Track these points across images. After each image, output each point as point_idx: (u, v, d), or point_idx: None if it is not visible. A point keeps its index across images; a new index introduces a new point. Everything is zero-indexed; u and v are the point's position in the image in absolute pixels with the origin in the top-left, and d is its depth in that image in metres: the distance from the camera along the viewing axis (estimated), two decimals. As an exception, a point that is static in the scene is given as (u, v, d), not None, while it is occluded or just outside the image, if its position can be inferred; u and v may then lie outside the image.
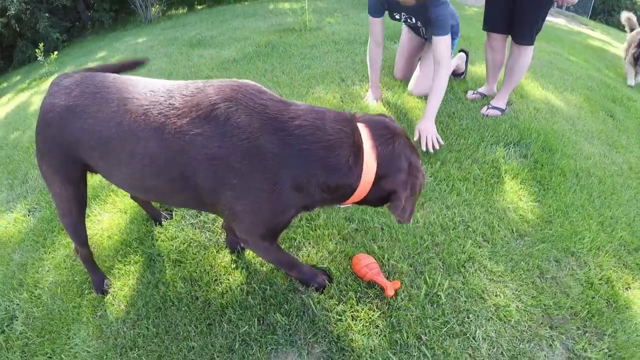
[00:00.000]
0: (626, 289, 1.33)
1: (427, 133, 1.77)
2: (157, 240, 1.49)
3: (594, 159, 1.97)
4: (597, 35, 6.50)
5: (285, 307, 1.19)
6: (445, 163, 1.77)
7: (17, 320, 1.33)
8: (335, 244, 1.38)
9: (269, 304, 1.21)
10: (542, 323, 1.17)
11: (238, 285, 1.27)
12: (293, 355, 1.10)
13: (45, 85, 4.57)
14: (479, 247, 1.39)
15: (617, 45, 5.72)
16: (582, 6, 11.06)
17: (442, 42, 1.84)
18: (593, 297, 1.26)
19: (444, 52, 1.84)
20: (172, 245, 1.45)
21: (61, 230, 1.62)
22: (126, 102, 0.91)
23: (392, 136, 0.95)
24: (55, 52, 5.45)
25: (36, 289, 1.42)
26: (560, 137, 2.05)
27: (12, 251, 1.64)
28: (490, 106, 2.19)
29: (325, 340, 1.11)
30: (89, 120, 0.93)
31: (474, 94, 2.38)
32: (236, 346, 1.12)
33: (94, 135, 0.93)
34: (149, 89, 0.92)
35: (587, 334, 1.16)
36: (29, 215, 1.83)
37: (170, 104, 0.88)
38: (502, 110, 2.19)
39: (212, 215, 1.56)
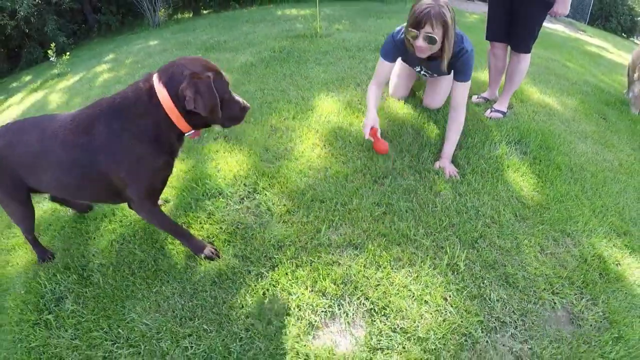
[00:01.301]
0: (617, 265, 1.54)
1: (446, 170, 1.89)
2: (204, 224, 1.65)
3: (587, 156, 2.19)
4: (594, 41, 6.70)
5: (331, 276, 1.39)
6: (456, 158, 1.99)
7: (67, 299, 1.40)
8: (368, 224, 1.59)
9: (317, 274, 1.40)
10: (544, 289, 1.39)
11: (288, 260, 1.46)
12: (340, 317, 1.29)
13: (59, 85, 4.69)
14: (488, 227, 1.62)
15: (613, 51, 5.96)
16: (579, 12, 11.26)
17: (463, 88, 1.82)
18: (587, 270, 1.48)
19: (464, 97, 1.85)
20: (221, 228, 1.63)
21: (105, 217, 1.76)
22: (44, 128, 1.29)
23: (171, 65, 1.19)
24: (68, 54, 5.60)
25: (84, 271, 1.50)
26: (556, 137, 2.27)
27: (52, 238, 1.72)
28: (493, 109, 2.40)
29: (367, 302, 1.32)
30: (21, 146, 1.31)
31: (478, 98, 2.58)
32: (291, 310, 1.30)
33: (27, 156, 1.30)
34: (57, 118, 1.31)
35: (583, 300, 1.38)
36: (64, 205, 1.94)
37: (66, 127, 1.25)
38: (504, 113, 2.40)
39: (255, 201, 1.75)
